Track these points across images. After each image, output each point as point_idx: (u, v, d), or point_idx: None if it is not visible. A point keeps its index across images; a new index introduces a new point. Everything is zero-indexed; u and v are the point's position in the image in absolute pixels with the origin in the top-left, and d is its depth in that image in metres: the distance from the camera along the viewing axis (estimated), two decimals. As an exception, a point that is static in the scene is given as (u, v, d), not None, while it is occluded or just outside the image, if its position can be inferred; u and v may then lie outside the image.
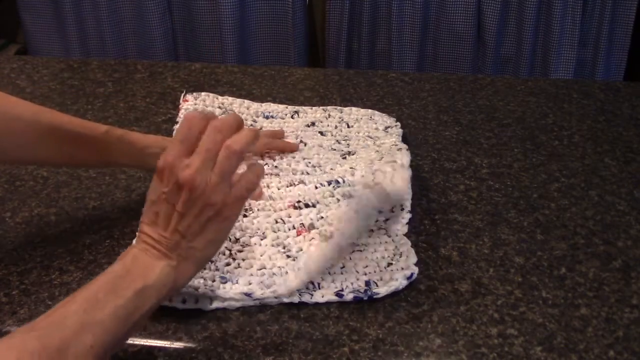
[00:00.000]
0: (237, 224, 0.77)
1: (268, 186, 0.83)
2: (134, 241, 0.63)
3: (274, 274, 0.71)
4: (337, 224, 0.76)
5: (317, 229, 0.76)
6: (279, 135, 0.94)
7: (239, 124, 0.61)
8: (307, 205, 0.80)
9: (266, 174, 0.86)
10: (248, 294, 0.68)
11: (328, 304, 0.69)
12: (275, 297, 0.69)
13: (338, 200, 0.80)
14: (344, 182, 0.81)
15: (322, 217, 0.78)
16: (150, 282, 0.57)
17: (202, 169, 0.58)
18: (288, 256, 0.73)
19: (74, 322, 0.52)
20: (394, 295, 0.70)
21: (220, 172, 0.59)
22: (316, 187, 0.81)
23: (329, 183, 0.81)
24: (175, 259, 0.59)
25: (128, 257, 0.58)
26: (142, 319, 0.56)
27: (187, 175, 0.57)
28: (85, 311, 0.53)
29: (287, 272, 0.71)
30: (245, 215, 0.79)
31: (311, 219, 0.78)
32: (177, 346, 0.65)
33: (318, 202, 0.80)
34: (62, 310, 0.53)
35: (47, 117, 0.74)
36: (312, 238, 0.75)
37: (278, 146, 0.91)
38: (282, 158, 0.90)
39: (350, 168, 0.84)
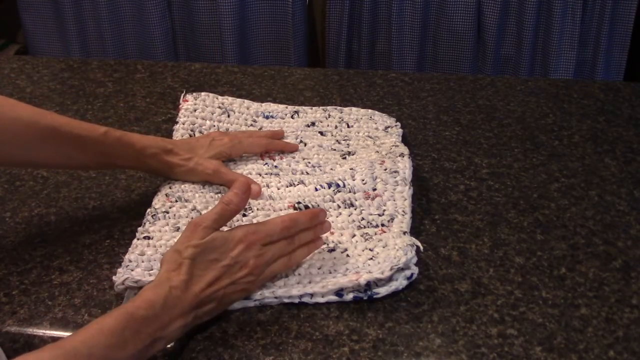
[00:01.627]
0: (235, 224, 0.77)
1: (268, 186, 0.83)
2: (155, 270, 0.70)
3: None
4: (338, 237, 0.76)
5: None
6: (278, 135, 0.94)
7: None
8: (307, 207, 0.80)
9: (266, 174, 0.86)
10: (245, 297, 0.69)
11: (328, 304, 0.69)
12: (275, 298, 0.69)
13: (339, 206, 0.80)
14: (344, 186, 0.81)
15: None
16: (166, 335, 0.61)
17: (269, 261, 0.68)
18: None
19: (99, 355, 0.55)
20: (394, 295, 0.70)
21: (272, 272, 0.69)
22: (316, 189, 0.81)
23: (329, 185, 0.81)
24: (191, 319, 0.63)
25: (159, 301, 0.60)
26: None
27: (258, 262, 0.67)
28: (110, 347, 0.56)
29: (286, 275, 0.71)
30: (244, 215, 0.79)
31: None
32: (177, 346, 0.65)
33: (318, 206, 0.80)
34: (89, 337, 0.56)
35: (46, 119, 0.74)
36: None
37: (278, 146, 0.91)
38: (281, 158, 0.90)
39: (350, 169, 0.84)
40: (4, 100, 0.73)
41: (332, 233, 0.76)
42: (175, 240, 0.73)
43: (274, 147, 0.90)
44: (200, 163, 0.82)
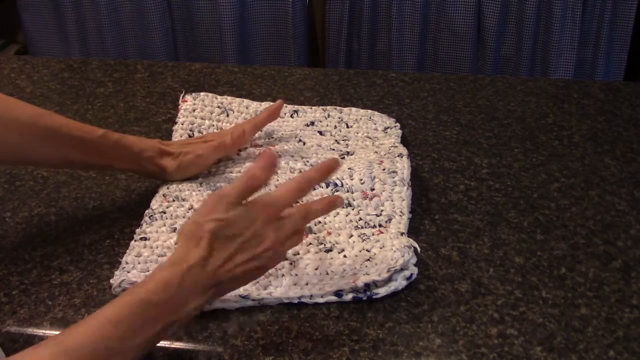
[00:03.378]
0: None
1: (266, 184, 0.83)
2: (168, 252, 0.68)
3: (270, 274, 0.71)
4: (336, 237, 0.76)
5: (315, 234, 0.76)
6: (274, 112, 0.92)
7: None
8: None
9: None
10: (244, 297, 0.68)
11: (328, 304, 0.69)
12: (274, 298, 0.69)
13: None
14: (342, 185, 0.81)
15: (319, 222, 0.78)
16: (179, 318, 0.58)
17: (287, 234, 0.65)
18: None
19: (105, 349, 0.53)
20: (394, 295, 0.70)
21: (287, 248, 0.66)
22: (314, 188, 0.81)
23: (327, 185, 0.81)
24: (207, 299, 0.60)
25: (174, 282, 0.57)
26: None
27: (277, 236, 0.63)
28: (118, 339, 0.53)
29: (283, 275, 0.71)
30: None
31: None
32: (177, 346, 0.65)
33: None
34: (95, 330, 0.53)
35: (45, 119, 0.74)
36: (310, 244, 0.75)
37: (262, 118, 0.90)
38: (280, 157, 0.90)
39: (349, 169, 0.84)
40: (4, 99, 0.73)
41: (329, 233, 0.76)
42: (172, 240, 0.73)
43: (259, 121, 0.89)
44: (195, 150, 0.82)
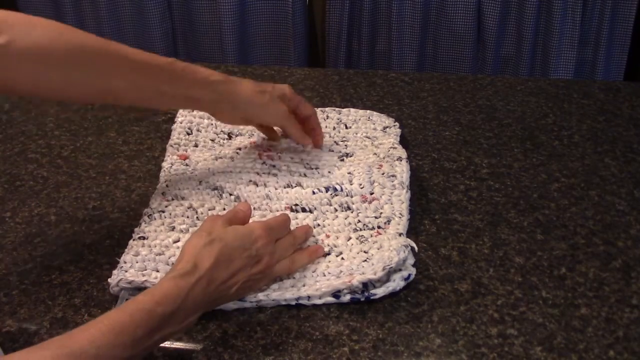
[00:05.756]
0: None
1: (265, 185, 0.84)
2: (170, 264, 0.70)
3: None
4: (334, 240, 0.76)
5: (313, 236, 0.76)
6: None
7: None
8: (303, 210, 0.80)
9: (264, 173, 0.86)
10: (241, 299, 0.68)
11: (328, 304, 0.69)
12: (272, 300, 0.69)
13: (335, 210, 0.80)
14: (341, 190, 0.81)
15: (318, 225, 0.78)
16: (177, 331, 0.60)
17: (278, 259, 0.70)
18: None
19: (106, 356, 0.53)
20: (394, 295, 0.70)
21: (275, 274, 0.70)
22: (313, 192, 0.82)
23: (327, 189, 0.81)
24: (201, 313, 0.63)
25: (181, 295, 0.59)
26: None
27: (270, 259, 0.68)
28: (120, 346, 0.54)
29: (281, 279, 0.71)
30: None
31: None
32: (177, 346, 0.65)
33: (315, 209, 0.80)
34: (99, 336, 0.53)
35: (114, 47, 0.73)
36: (308, 245, 0.75)
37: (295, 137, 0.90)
38: (280, 158, 0.90)
39: (348, 173, 0.84)
40: (66, 29, 0.71)
41: (327, 236, 0.76)
42: (171, 239, 0.73)
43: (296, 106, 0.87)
44: (276, 101, 0.82)
